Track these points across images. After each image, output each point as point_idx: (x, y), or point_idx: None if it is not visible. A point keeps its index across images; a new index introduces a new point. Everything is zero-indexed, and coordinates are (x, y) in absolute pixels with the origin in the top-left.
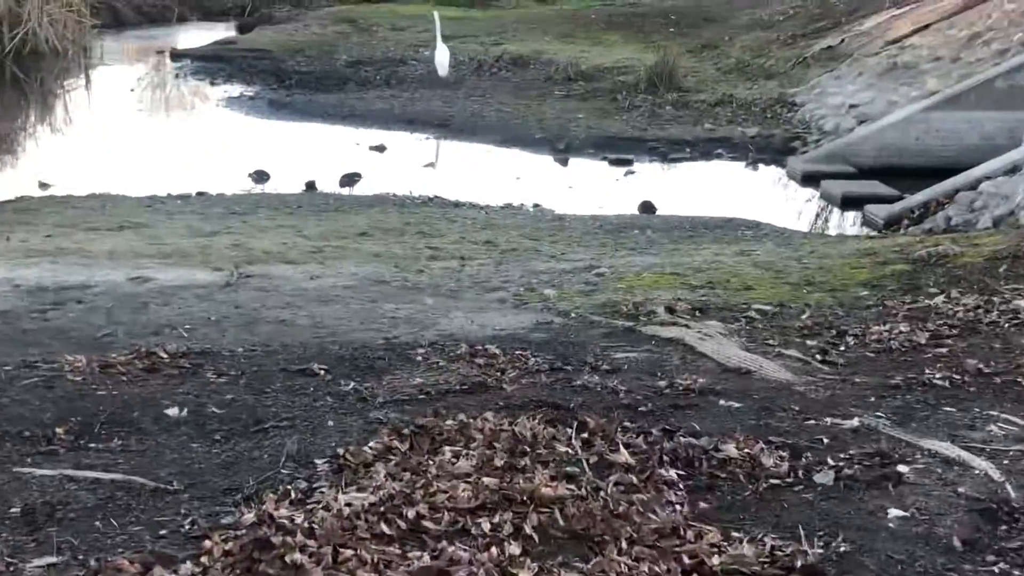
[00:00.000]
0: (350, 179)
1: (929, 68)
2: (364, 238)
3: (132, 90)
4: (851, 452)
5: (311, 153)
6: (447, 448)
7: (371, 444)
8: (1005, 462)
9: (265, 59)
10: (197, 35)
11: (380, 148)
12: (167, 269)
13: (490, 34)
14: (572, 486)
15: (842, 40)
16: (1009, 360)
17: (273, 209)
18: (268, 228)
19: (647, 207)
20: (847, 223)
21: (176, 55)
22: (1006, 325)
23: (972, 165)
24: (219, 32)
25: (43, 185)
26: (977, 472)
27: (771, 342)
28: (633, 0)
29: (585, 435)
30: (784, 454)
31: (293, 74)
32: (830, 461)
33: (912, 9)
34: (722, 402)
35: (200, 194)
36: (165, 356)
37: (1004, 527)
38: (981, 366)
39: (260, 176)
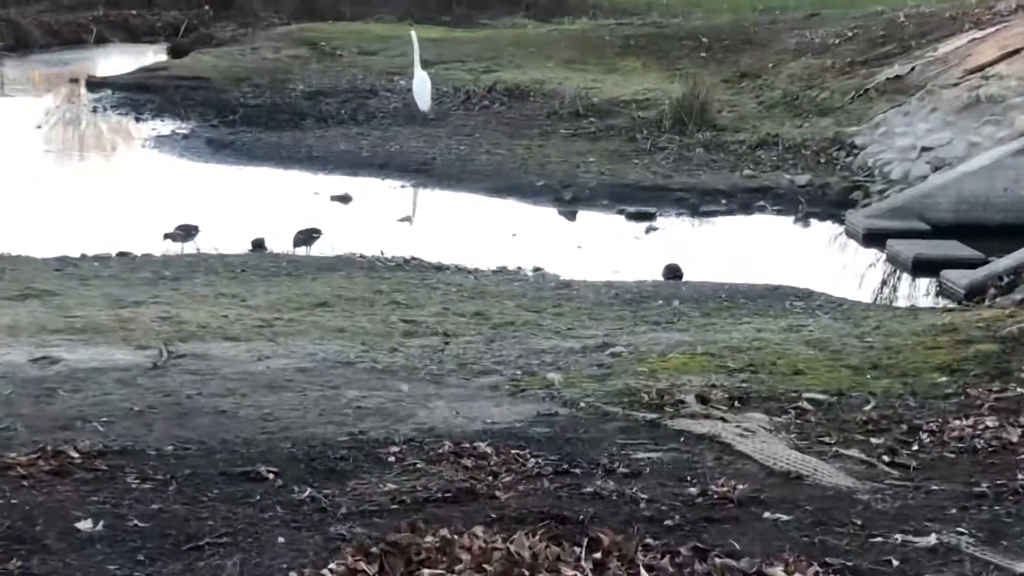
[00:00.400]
0: (307, 237)
1: (1019, 102)
2: (324, 309)
3: (39, 127)
4: None
5: (259, 205)
6: (426, 571)
7: (331, 566)
8: None
9: (203, 89)
10: (120, 60)
11: (344, 198)
12: (80, 348)
13: (480, 59)
14: None
15: (912, 68)
16: None
17: (212, 273)
18: (206, 297)
19: (673, 272)
20: (919, 292)
21: (94, 84)
22: None
23: None
24: (147, 56)
25: None
26: None
27: (827, 439)
28: (656, 19)
29: (597, 555)
30: None
31: (238, 107)
32: None
33: (997, 31)
34: (767, 514)
35: (121, 255)
36: (76, 456)
37: None
38: None
39: (185, 232)
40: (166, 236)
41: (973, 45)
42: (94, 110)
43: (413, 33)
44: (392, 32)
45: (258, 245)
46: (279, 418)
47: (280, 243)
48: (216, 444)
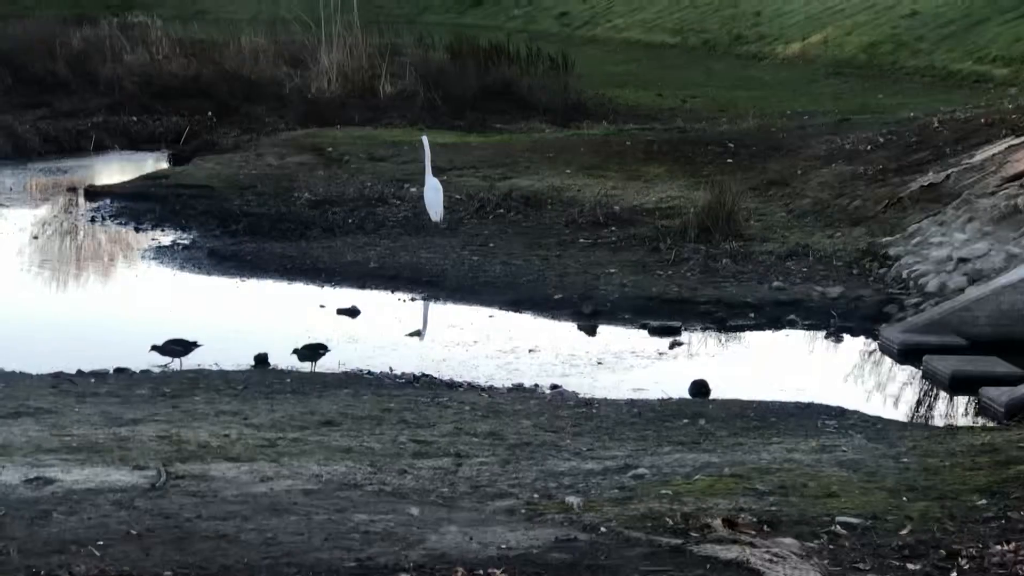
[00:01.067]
0: (313, 352)
1: None
2: (330, 428)
3: (35, 237)
4: None
5: (263, 318)
6: None
7: None
8: None
9: (205, 197)
10: (120, 167)
11: (352, 312)
12: (75, 468)
13: (495, 166)
14: None
15: (947, 176)
16: None
17: (213, 391)
18: (206, 415)
19: (700, 389)
20: (958, 411)
21: (92, 193)
22: None
23: None
24: (147, 164)
25: None
26: None
27: (862, 566)
28: (680, 124)
29: None
30: None
31: (241, 217)
32: None
33: None
34: None
35: (120, 371)
36: None
37: None
38: None
39: (178, 347)
40: (153, 348)
41: (1011, 152)
42: (92, 220)
43: (424, 138)
44: (402, 138)
45: (261, 361)
46: (282, 543)
47: (284, 359)
48: (216, 570)
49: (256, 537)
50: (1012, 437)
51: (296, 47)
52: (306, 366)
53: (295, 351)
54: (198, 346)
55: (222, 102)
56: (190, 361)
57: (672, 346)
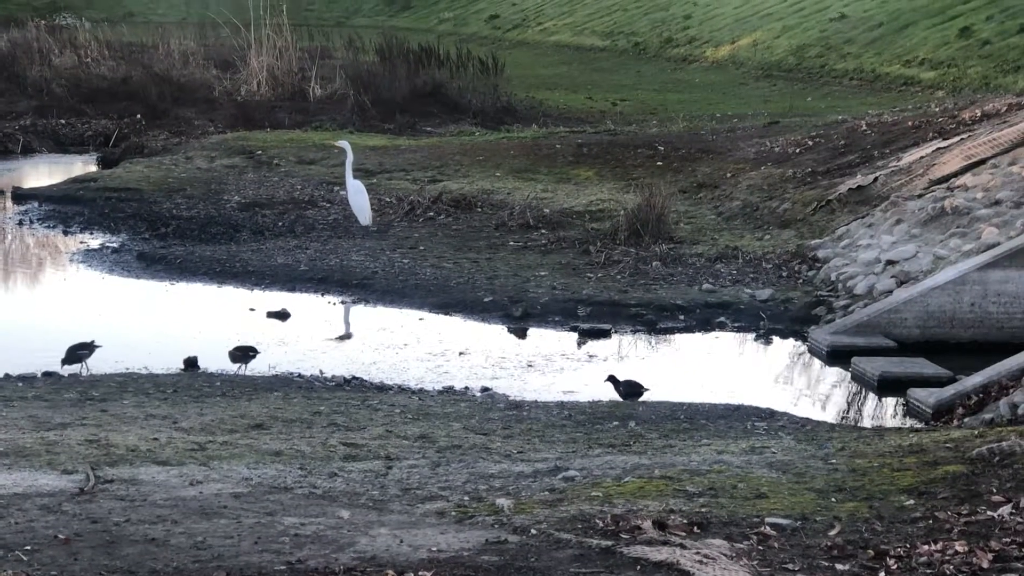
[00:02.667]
0: (244, 354)
1: (986, 214)
2: (260, 431)
3: None
4: None
5: (192, 322)
6: None
7: None
8: None
9: (134, 200)
10: (48, 170)
11: (282, 315)
12: (2, 472)
13: (425, 168)
14: None
15: (875, 179)
16: None
17: (142, 394)
18: (135, 419)
19: (632, 390)
20: (886, 412)
21: (20, 196)
22: None
23: None
24: (76, 167)
25: None
26: None
27: (791, 566)
28: (610, 127)
29: None
30: None
31: (170, 220)
32: None
33: (962, 140)
34: None
35: (47, 375)
36: None
37: None
38: None
39: (80, 352)
40: (62, 362)
41: (938, 155)
42: (20, 223)
43: (343, 142)
44: (332, 140)
45: (191, 364)
46: (212, 546)
47: (214, 362)
48: (145, 574)
49: (185, 541)
50: (939, 438)
51: (225, 50)
52: (236, 369)
53: (230, 352)
54: (97, 346)
55: (151, 105)
56: (119, 365)
57: (601, 349)
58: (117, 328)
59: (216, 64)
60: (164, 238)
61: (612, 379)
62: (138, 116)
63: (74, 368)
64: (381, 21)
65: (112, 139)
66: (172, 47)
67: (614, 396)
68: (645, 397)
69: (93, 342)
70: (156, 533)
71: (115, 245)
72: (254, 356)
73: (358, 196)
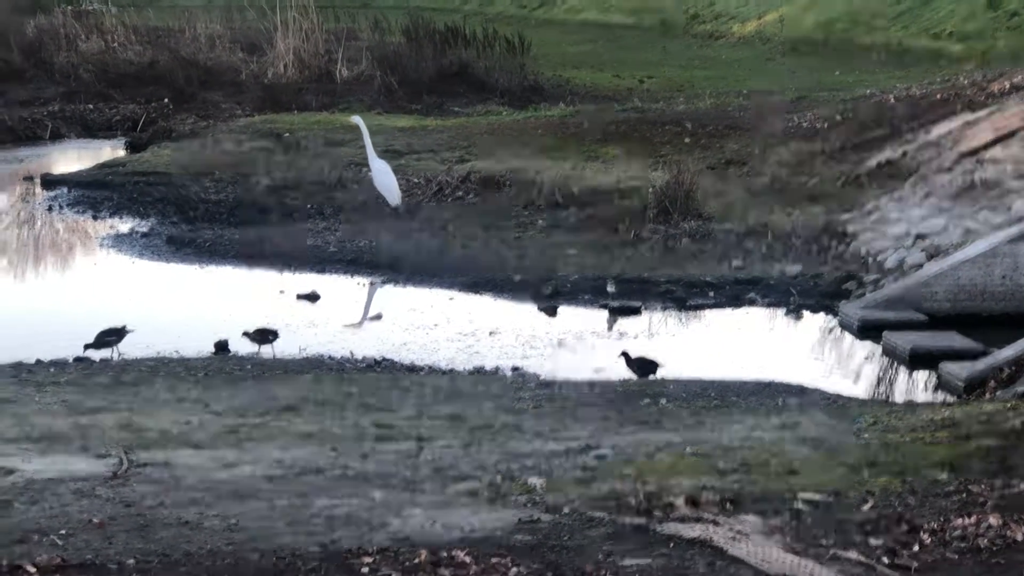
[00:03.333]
0: (262, 337)
1: (1016, 187)
2: (292, 414)
3: None
4: None
5: (222, 305)
6: None
7: None
8: None
9: (163, 184)
10: (77, 156)
11: (312, 297)
12: (36, 457)
13: (453, 148)
14: None
15: (904, 153)
16: None
17: (174, 378)
18: (167, 402)
19: (645, 367)
20: (917, 386)
21: (49, 182)
22: None
23: None
24: (104, 152)
25: None
26: None
27: (824, 541)
28: (638, 104)
29: None
30: None
31: (199, 203)
32: None
33: (991, 113)
34: None
35: (80, 360)
36: (34, 571)
37: None
38: None
39: (107, 338)
40: (86, 347)
41: (966, 128)
42: (50, 209)
43: (356, 118)
44: (345, 117)
45: (221, 347)
46: (245, 528)
47: (244, 345)
48: (180, 556)
49: (219, 523)
50: (972, 411)
51: (252, 33)
52: (267, 352)
53: (245, 333)
54: (129, 331)
55: (178, 89)
56: (150, 349)
57: (632, 327)
58: (147, 312)
59: (243, 47)
60: (193, 222)
61: (625, 355)
62: (165, 100)
63: (103, 353)
64: (406, 1)
65: (140, 124)
66: (198, 31)
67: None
68: (674, 375)
69: (125, 327)
70: (189, 516)
71: (144, 229)
72: (274, 339)
73: (385, 176)
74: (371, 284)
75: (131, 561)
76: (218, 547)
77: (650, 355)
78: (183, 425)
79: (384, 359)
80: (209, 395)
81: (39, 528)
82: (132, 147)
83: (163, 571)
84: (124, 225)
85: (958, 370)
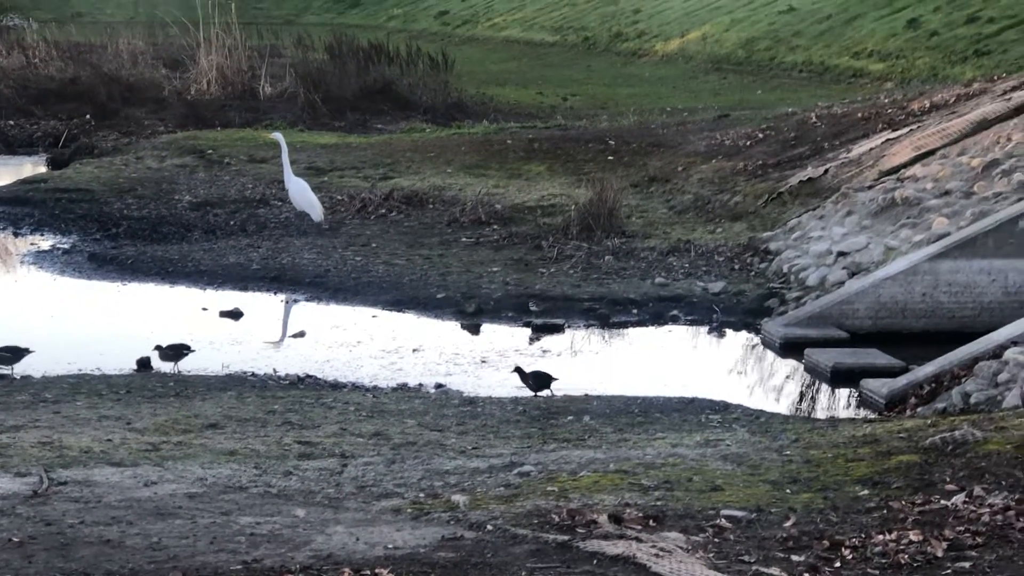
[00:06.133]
0: (176, 353)
1: (935, 205)
2: (214, 431)
3: None
4: None
5: (144, 322)
6: None
7: None
8: None
9: (85, 201)
10: None
11: (234, 314)
12: None
13: (376, 166)
14: None
15: (825, 170)
16: None
17: (95, 395)
18: (88, 420)
19: (540, 381)
20: (839, 403)
21: None
22: None
23: (994, 327)
24: (25, 168)
25: None
26: None
27: (747, 558)
28: (561, 122)
29: None
30: None
31: (121, 220)
32: None
33: (912, 131)
34: None
35: (1, 378)
36: None
37: None
38: None
39: (7, 354)
40: None
41: (887, 146)
42: None
43: (277, 134)
44: (267, 133)
45: (144, 365)
46: (167, 547)
47: (167, 363)
48: (101, 575)
49: (141, 542)
50: (893, 428)
51: (174, 49)
52: (190, 369)
53: (157, 347)
54: (29, 352)
55: (101, 105)
56: (71, 366)
57: (554, 344)
58: (69, 329)
59: (165, 63)
60: (115, 238)
61: (519, 371)
62: (87, 116)
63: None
64: (330, 19)
65: (61, 140)
66: (121, 47)
67: (568, 391)
68: (597, 392)
69: (26, 349)
70: (111, 534)
71: (66, 246)
72: (187, 354)
73: (304, 193)
74: (294, 301)
75: None
76: (140, 565)
77: (544, 369)
78: (105, 443)
79: (307, 376)
80: (131, 412)
81: None
82: (54, 163)
83: None
84: (45, 242)
85: (879, 387)
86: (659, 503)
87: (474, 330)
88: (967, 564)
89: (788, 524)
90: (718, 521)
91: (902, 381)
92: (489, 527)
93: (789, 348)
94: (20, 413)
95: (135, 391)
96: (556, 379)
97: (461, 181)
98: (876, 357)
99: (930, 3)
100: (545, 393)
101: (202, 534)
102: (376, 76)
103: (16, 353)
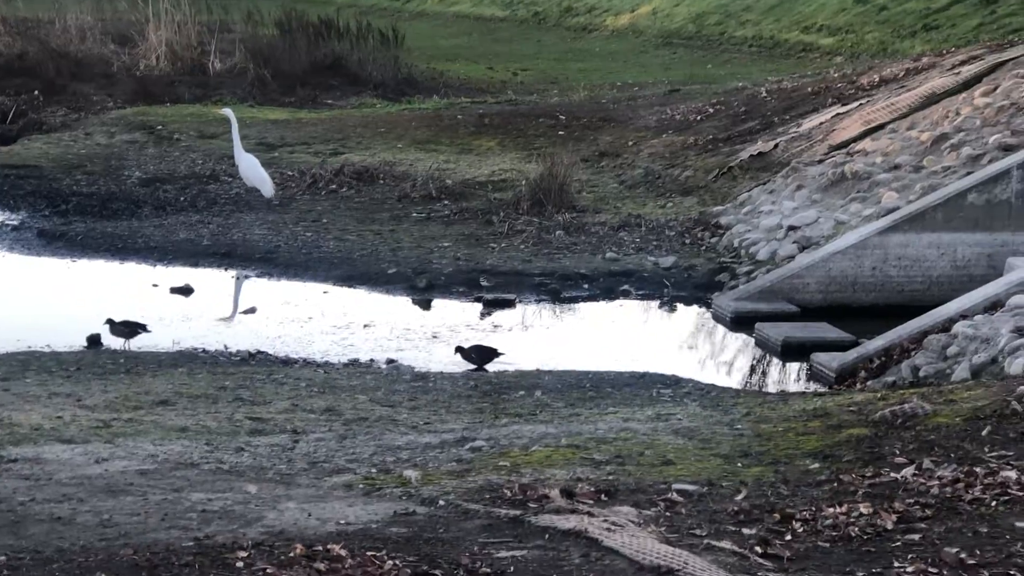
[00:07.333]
0: (131, 330)
1: (885, 179)
2: (165, 408)
3: None
4: None
5: (95, 299)
6: None
7: None
8: None
9: (33, 177)
10: None
11: (185, 290)
12: None
13: (327, 141)
14: None
15: (775, 145)
16: (998, 548)
17: (45, 372)
18: (38, 397)
19: (484, 356)
20: (790, 377)
21: None
22: (992, 503)
23: (943, 301)
24: None
25: None
26: None
27: (698, 532)
28: (511, 97)
29: None
30: None
31: (70, 196)
32: None
33: (861, 106)
34: None
35: None
36: None
37: None
38: (963, 556)
39: None
40: None
41: (837, 120)
42: None
43: (227, 110)
44: (217, 109)
45: (94, 342)
46: (119, 524)
47: (117, 339)
48: (52, 553)
49: (92, 519)
50: (843, 401)
51: (123, 25)
52: (141, 345)
53: (108, 322)
54: None
55: (49, 81)
56: (20, 343)
57: (506, 319)
58: (18, 306)
59: (114, 39)
60: (64, 215)
61: (459, 350)
62: (35, 92)
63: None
64: None
65: (9, 116)
66: (69, 22)
67: (519, 365)
68: (549, 367)
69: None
70: (62, 512)
71: (15, 223)
72: (141, 332)
73: (255, 169)
74: (245, 277)
75: (2, 558)
76: (91, 543)
77: (494, 343)
78: (55, 420)
79: (258, 352)
80: (81, 389)
81: None
82: (1, 140)
83: (35, 568)
84: None
85: (829, 360)
86: (611, 477)
87: (425, 305)
88: (917, 536)
89: (739, 498)
90: (670, 495)
91: (852, 355)
92: (441, 502)
93: (740, 322)
94: None
95: (85, 368)
96: (501, 353)
97: (412, 156)
98: (826, 331)
99: None
100: (492, 368)
101: (153, 511)
102: (326, 52)
103: None
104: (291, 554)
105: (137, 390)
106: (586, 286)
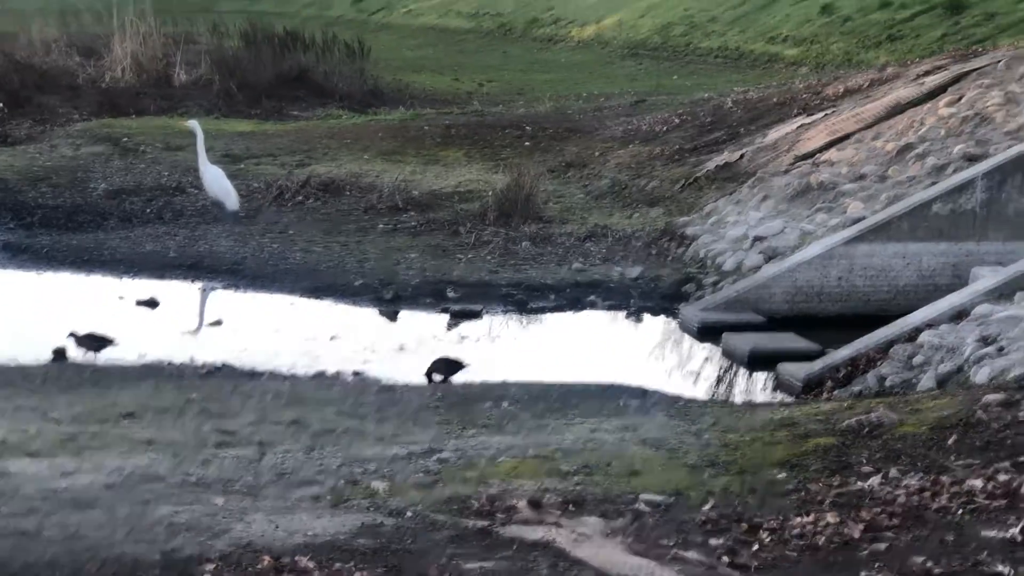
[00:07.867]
0: (98, 344)
1: (851, 189)
2: (131, 421)
3: None
4: None
5: (60, 312)
6: None
7: None
8: None
9: None
10: None
11: (151, 303)
12: None
13: (293, 153)
14: None
15: (741, 155)
16: (964, 556)
17: (10, 385)
18: (3, 411)
19: (451, 368)
20: (756, 387)
21: None
22: (959, 511)
23: (909, 310)
24: None
25: None
26: None
27: (666, 542)
28: (477, 108)
29: None
30: None
31: (35, 209)
32: None
33: (827, 116)
34: None
35: None
36: None
37: None
38: (930, 564)
39: None
40: None
41: (802, 131)
42: None
43: (193, 122)
44: (182, 121)
45: (60, 355)
46: (85, 537)
47: (83, 352)
48: (18, 568)
49: (58, 533)
50: (809, 411)
51: (88, 37)
52: (106, 358)
53: (72, 335)
54: None
55: (13, 93)
56: None
57: (472, 330)
58: None
59: (79, 51)
60: (30, 227)
61: (428, 375)
62: (0, 105)
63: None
64: (245, 5)
65: None
66: (34, 34)
67: (487, 378)
68: (516, 378)
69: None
70: (28, 525)
71: None
72: (108, 345)
73: (220, 181)
74: (211, 289)
75: None
76: (57, 557)
77: (459, 355)
78: (20, 433)
79: (224, 365)
80: (47, 403)
81: None
82: None
83: None
84: None
85: (796, 370)
86: (578, 488)
87: (392, 317)
88: (883, 545)
89: (707, 508)
90: (637, 505)
91: (818, 365)
92: (408, 514)
93: (707, 332)
94: None
95: (51, 381)
96: (468, 364)
97: (378, 168)
98: (793, 341)
99: None
100: (458, 379)
101: (120, 524)
102: (292, 63)
103: None
104: (259, 566)
105: (103, 403)
106: (553, 297)
